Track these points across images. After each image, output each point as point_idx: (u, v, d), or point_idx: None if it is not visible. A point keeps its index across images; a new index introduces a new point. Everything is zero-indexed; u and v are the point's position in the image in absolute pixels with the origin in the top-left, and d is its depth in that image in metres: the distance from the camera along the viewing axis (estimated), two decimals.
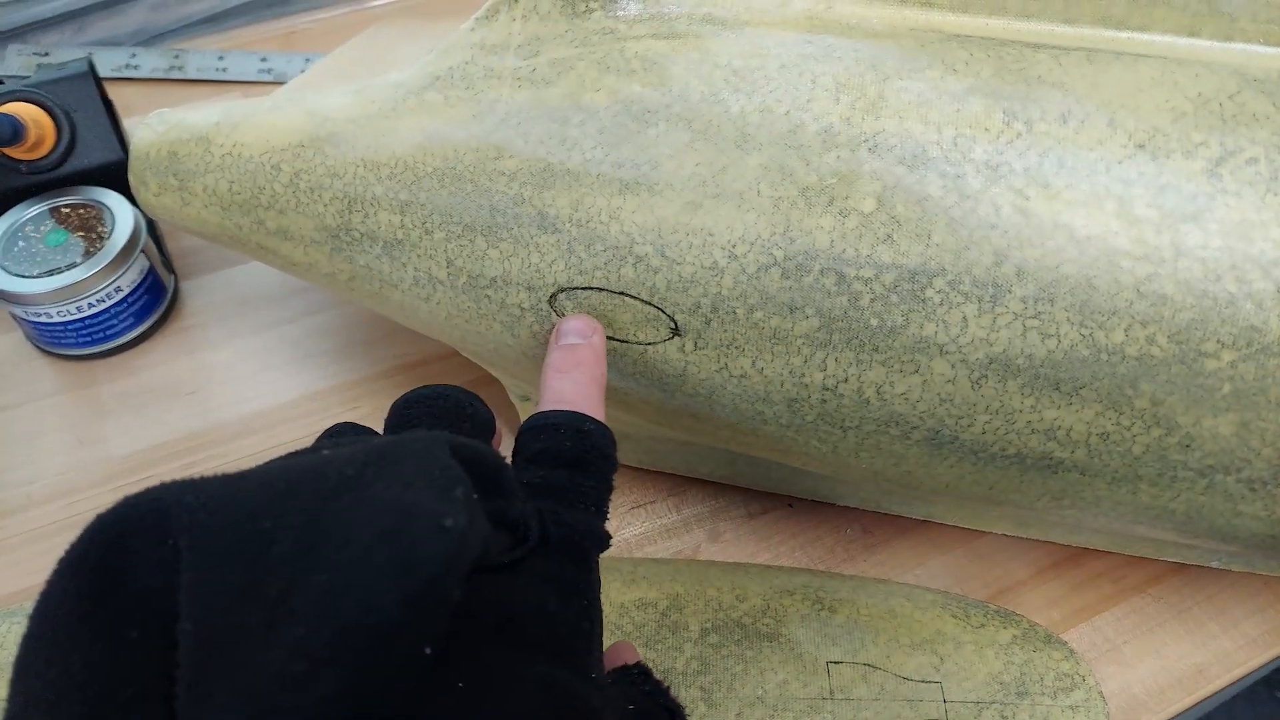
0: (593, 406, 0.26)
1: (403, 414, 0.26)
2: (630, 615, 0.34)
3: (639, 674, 0.24)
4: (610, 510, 0.40)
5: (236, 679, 0.15)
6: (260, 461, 0.42)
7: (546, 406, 0.27)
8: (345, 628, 0.15)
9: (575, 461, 0.24)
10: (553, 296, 0.30)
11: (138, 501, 0.17)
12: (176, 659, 0.15)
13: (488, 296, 0.31)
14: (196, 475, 0.18)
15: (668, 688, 0.24)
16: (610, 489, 0.25)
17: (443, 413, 0.25)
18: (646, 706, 0.23)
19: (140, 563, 0.16)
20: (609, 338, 0.31)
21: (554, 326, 0.30)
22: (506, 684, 0.18)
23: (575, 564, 0.22)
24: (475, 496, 0.18)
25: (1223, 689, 0.36)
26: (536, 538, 0.21)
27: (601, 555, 0.35)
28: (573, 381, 0.27)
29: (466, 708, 0.17)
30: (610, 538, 0.24)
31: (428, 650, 0.16)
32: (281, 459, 0.20)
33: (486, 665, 0.18)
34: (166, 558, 0.16)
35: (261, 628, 0.15)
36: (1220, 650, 0.37)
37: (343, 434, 0.25)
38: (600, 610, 0.22)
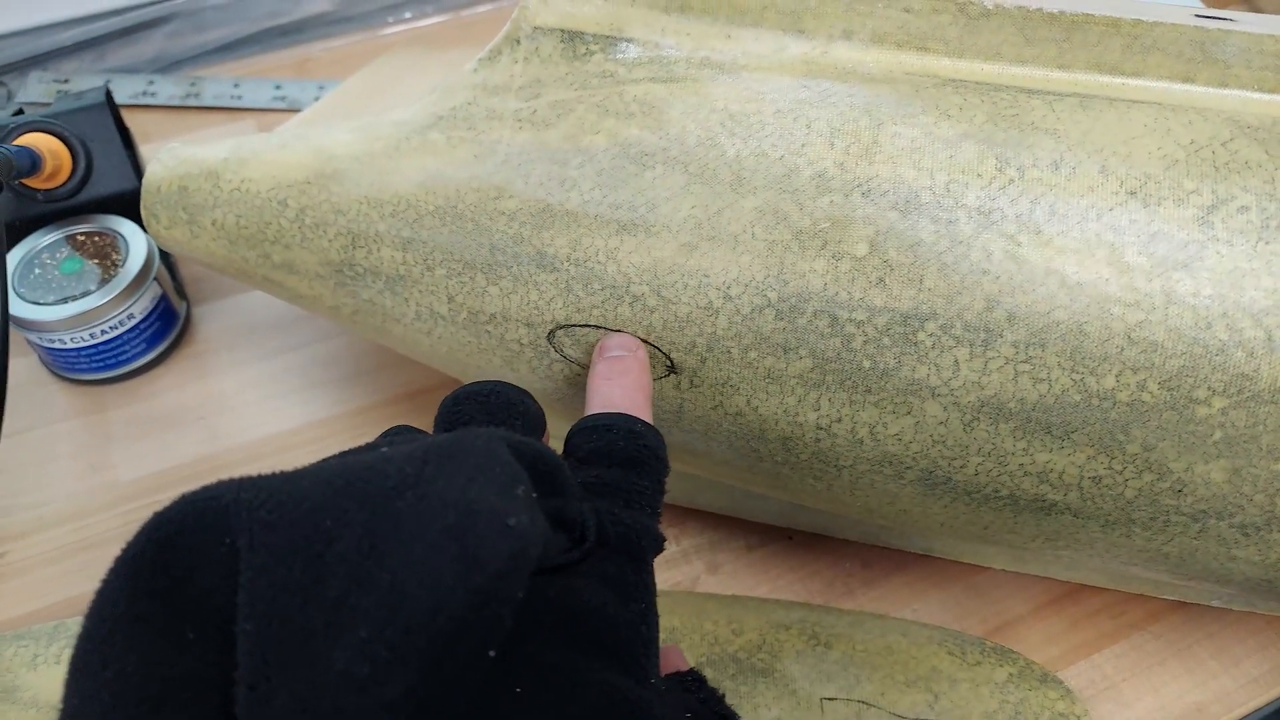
0: (641, 410, 0.26)
1: (453, 411, 0.25)
2: None
3: (693, 681, 0.23)
4: None
5: (298, 680, 0.15)
6: None
7: (595, 409, 0.26)
8: (411, 628, 0.15)
9: (629, 461, 0.24)
10: (551, 333, 0.31)
11: (195, 499, 0.17)
12: (235, 659, 0.15)
13: (487, 332, 0.32)
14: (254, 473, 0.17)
15: (722, 695, 0.23)
16: (663, 491, 0.24)
17: (495, 409, 0.25)
18: (703, 715, 0.22)
19: (198, 561, 0.16)
20: None
21: (596, 344, 0.30)
22: (567, 689, 0.17)
23: (633, 565, 0.21)
24: (534, 495, 0.18)
25: None
26: (594, 538, 0.21)
27: None
28: (621, 387, 0.27)
29: (527, 713, 0.16)
30: (665, 540, 0.23)
31: (492, 653, 0.16)
32: (337, 457, 0.20)
33: (547, 670, 0.17)
34: (224, 556, 0.16)
35: (324, 628, 0.15)
36: (1221, 689, 0.36)
37: (399, 434, 0.24)
38: (657, 615, 0.22)
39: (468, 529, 0.16)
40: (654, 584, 0.22)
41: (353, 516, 0.16)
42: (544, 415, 0.26)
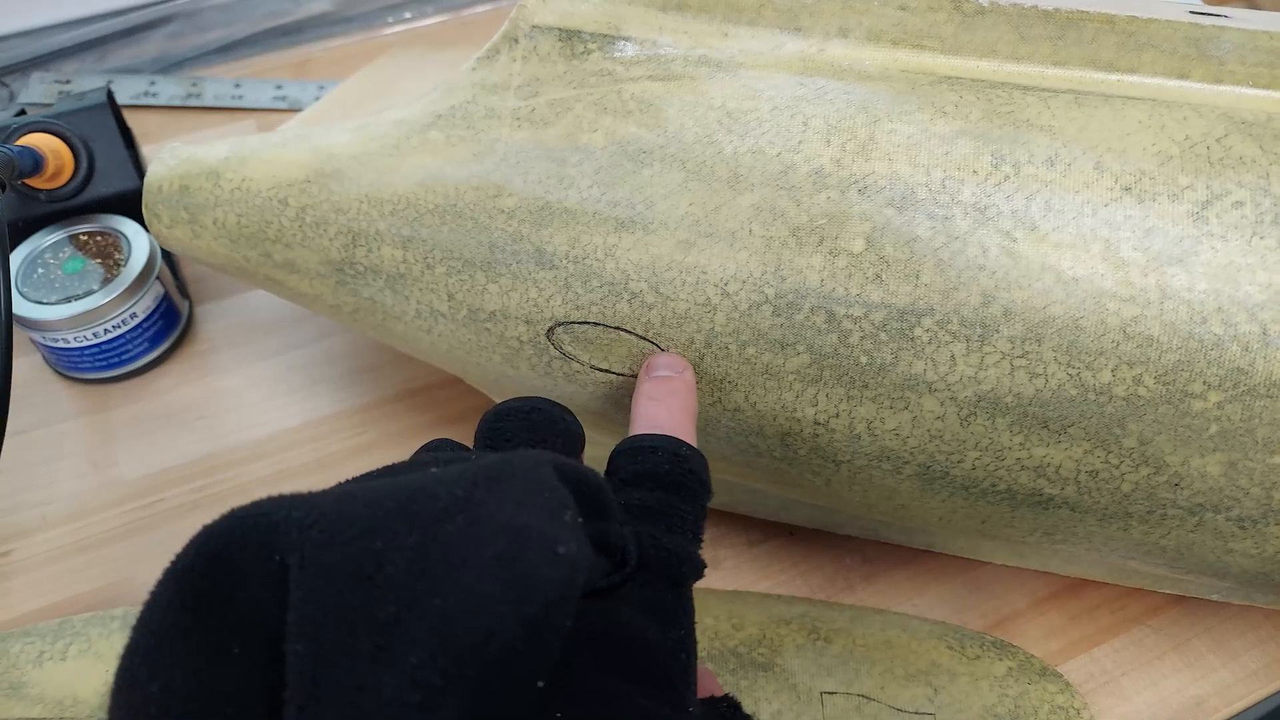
0: (687, 433, 0.26)
1: (494, 427, 0.25)
2: None
3: (728, 707, 0.23)
4: None
5: (347, 704, 0.14)
6: (267, 485, 0.42)
7: (640, 430, 0.26)
8: (462, 655, 0.15)
9: (673, 485, 0.24)
10: (550, 330, 0.31)
11: (245, 515, 0.17)
12: (284, 678, 0.15)
13: (487, 329, 0.32)
14: (305, 490, 0.17)
15: None
16: (705, 515, 0.24)
17: (537, 426, 0.25)
18: None
19: (246, 577, 0.16)
20: (605, 370, 0.31)
21: (645, 361, 0.30)
22: (606, 716, 0.17)
23: (673, 591, 0.21)
24: (580, 519, 0.18)
25: None
26: (635, 562, 0.21)
27: None
28: (667, 409, 0.27)
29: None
30: (705, 565, 0.23)
31: (540, 684, 0.15)
32: (384, 474, 0.20)
33: (588, 696, 0.17)
34: (273, 573, 0.16)
35: (373, 651, 0.15)
36: (1220, 683, 0.36)
37: (440, 449, 0.24)
38: (695, 640, 0.22)
39: (518, 555, 0.16)
40: (693, 610, 0.22)
41: (403, 539, 0.16)
42: (583, 432, 0.26)
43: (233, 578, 0.16)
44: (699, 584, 0.39)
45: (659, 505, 0.23)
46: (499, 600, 0.15)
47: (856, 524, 0.40)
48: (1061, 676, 0.35)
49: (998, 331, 0.26)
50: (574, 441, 0.25)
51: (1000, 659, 0.35)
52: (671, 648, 0.20)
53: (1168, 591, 0.38)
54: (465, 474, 0.17)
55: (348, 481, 0.19)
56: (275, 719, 0.15)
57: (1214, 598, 0.38)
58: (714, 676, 0.26)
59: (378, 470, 0.20)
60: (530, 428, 0.24)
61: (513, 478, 0.18)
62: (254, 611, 0.16)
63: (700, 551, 0.23)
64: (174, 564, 0.17)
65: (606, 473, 0.25)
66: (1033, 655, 0.36)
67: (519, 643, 0.15)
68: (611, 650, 0.19)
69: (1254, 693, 0.36)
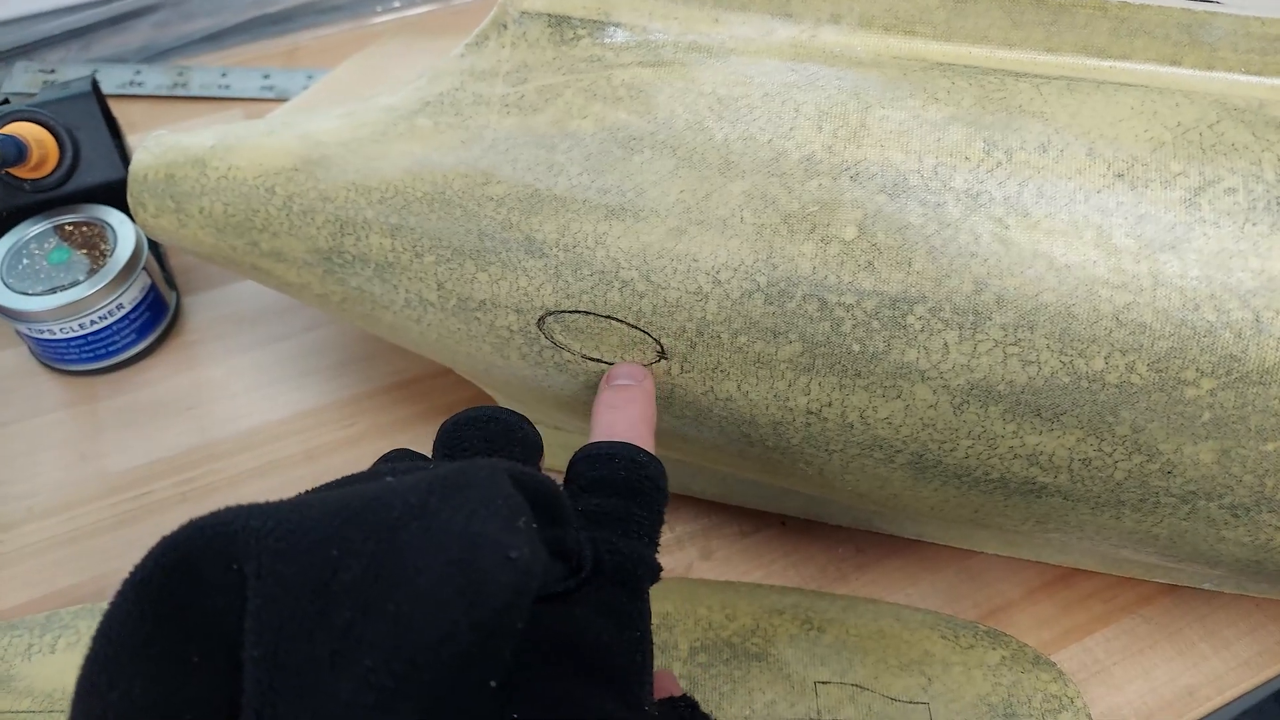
0: (644, 441, 0.26)
1: (452, 437, 0.25)
2: None
3: (686, 706, 0.24)
4: None
5: (305, 709, 0.15)
6: (255, 477, 0.42)
7: (599, 438, 0.26)
8: (415, 660, 0.15)
9: (630, 491, 0.24)
10: (541, 319, 0.31)
11: (203, 525, 0.17)
12: (240, 684, 0.15)
13: (477, 319, 0.32)
14: (264, 500, 0.18)
15: None
16: (662, 521, 0.25)
17: (494, 435, 0.25)
18: None
19: (205, 587, 0.16)
20: (597, 360, 0.31)
21: (604, 372, 0.30)
22: (562, 718, 0.18)
23: (629, 594, 0.22)
24: (535, 525, 0.18)
25: (1214, 711, 0.36)
26: (591, 567, 0.21)
27: None
28: (625, 416, 0.27)
29: None
30: (661, 569, 0.24)
31: (493, 683, 0.16)
32: (342, 484, 0.20)
33: (544, 698, 0.18)
34: (232, 582, 0.16)
35: (330, 657, 0.15)
36: (1211, 672, 0.37)
37: (399, 460, 0.24)
38: (651, 641, 0.22)
39: (472, 561, 0.16)
40: (649, 612, 0.23)
41: (359, 546, 0.16)
42: (541, 441, 0.26)
43: (192, 588, 0.16)
44: (692, 574, 0.39)
45: (616, 511, 0.24)
46: (452, 604, 0.16)
47: (849, 514, 0.39)
48: (1054, 665, 0.35)
49: (990, 319, 0.26)
50: (532, 450, 0.26)
51: (993, 648, 0.35)
52: (627, 649, 0.21)
53: (1159, 580, 0.38)
54: (420, 483, 0.18)
55: (306, 492, 0.20)
56: None
57: (1206, 586, 0.38)
58: (674, 678, 0.27)
59: (335, 481, 0.21)
60: (487, 437, 0.25)
61: (467, 486, 0.18)
62: (213, 621, 0.16)
63: (657, 556, 0.24)
64: (133, 574, 0.17)
65: (565, 479, 0.25)
66: (1025, 644, 0.36)
67: (472, 646, 0.15)
68: (567, 652, 0.19)
69: (1245, 681, 0.36)
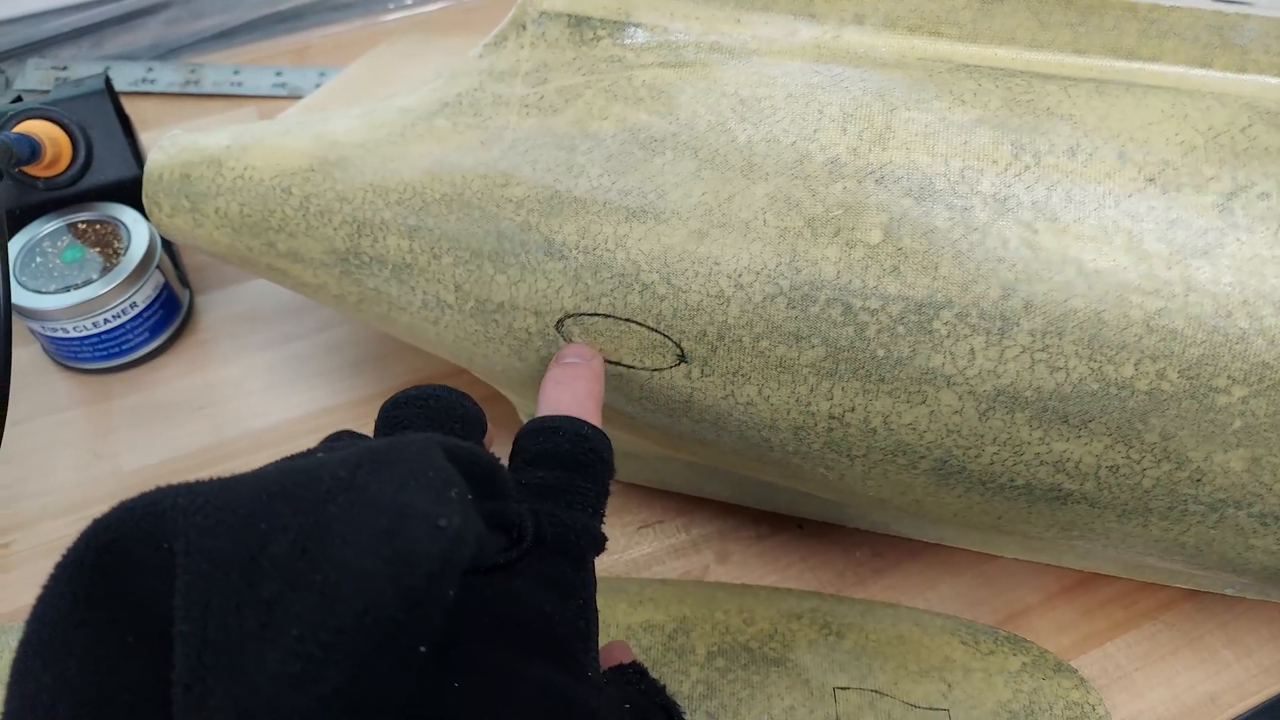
0: (590, 415, 0.27)
1: (391, 415, 0.25)
2: (637, 637, 0.34)
3: (634, 673, 0.24)
4: (619, 530, 0.40)
5: (233, 680, 0.15)
6: None
7: (544, 413, 0.27)
8: (342, 627, 0.15)
9: (574, 463, 0.25)
10: (560, 322, 0.30)
11: (133, 506, 0.17)
12: (173, 662, 0.16)
13: (495, 321, 0.31)
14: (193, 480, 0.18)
15: (663, 686, 0.24)
16: (607, 492, 0.25)
17: (434, 413, 0.25)
18: (643, 705, 0.23)
19: (136, 567, 0.16)
20: (616, 363, 0.31)
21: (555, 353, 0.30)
22: (504, 685, 0.18)
23: (571, 564, 0.22)
24: (470, 497, 0.18)
25: (1235, 718, 0.36)
26: (532, 538, 0.21)
27: (609, 576, 0.35)
28: (571, 392, 0.27)
29: (464, 708, 0.17)
30: (606, 539, 0.24)
31: (423, 649, 0.16)
32: (276, 463, 0.20)
33: (484, 667, 0.18)
34: (162, 561, 0.16)
35: (258, 629, 0.15)
36: (1233, 679, 0.36)
37: (340, 439, 0.25)
38: (596, 610, 0.23)
39: (399, 531, 0.16)
40: (593, 581, 0.23)
41: (287, 521, 0.16)
42: (484, 417, 0.26)
43: (123, 568, 0.16)
44: (708, 578, 0.38)
45: (559, 483, 0.24)
46: (379, 574, 0.16)
47: (867, 518, 0.39)
48: (1076, 672, 0.34)
49: (1018, 325, 0.26)
50: (473, 426, 0.26)
51: (1014, 654, 0.35)
52: (570, 618, 0.21)
53: (1182, 586, 0.38)
54: (350, 457, 0.18)
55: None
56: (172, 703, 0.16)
57: (1228, 592, 0.37)
58: (627, 647, 0.27)
59: (275, 461, 0.21)
60: (427, 414, 0.25)
61: (397, 459, 0.18)
62: (146, 601, 0.16)
63: (602, 527, 0.24)
64: (65, 558, 0.17)
65: (510, 454, 0.26)
66: (1046, 651, 0.35)
67: (399, 613, 0.16)
68: (508, 623, 0.19)
69: (1267, 688, 0.36)
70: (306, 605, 0.15)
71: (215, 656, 0.15)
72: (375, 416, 0.44)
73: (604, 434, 0.26)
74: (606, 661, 0.25)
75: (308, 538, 0.16)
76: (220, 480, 0.18)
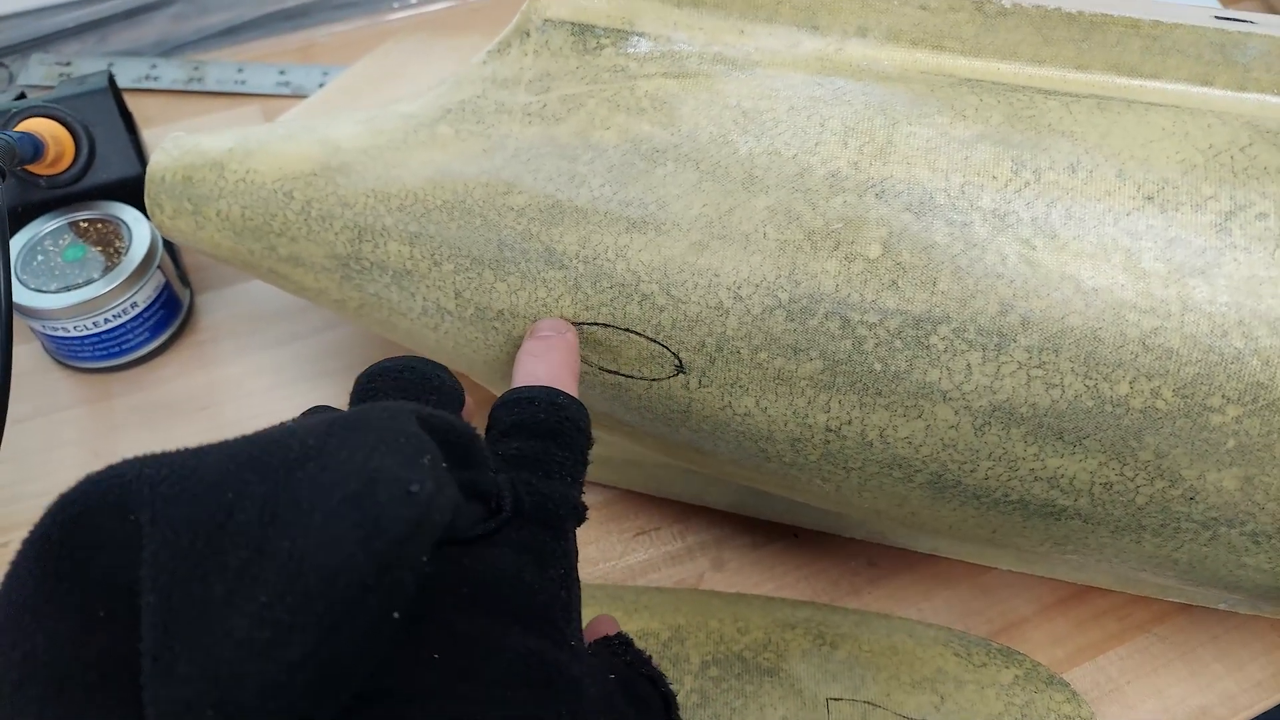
0: (566, 385, 0.26)
1: (366, 387, 0.25)
2: None
3: (620, 644, 0.24)
4: (615, 536, 0.40)
5: (200, 648, 0.15)
6: None
7: (519, 384, 0.26)
8: (309, 593, 0.15)
9: (550, 433, 0.24)
10: None
11: (99, 478, 0.17)
12: (140, 633, 0.15)
13: (495, 328, 0.31)
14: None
15: (649, 658, 0.24)
16: (585, 462, 0.25)
17: (409, 384, 0.25)
18: (628, 676, 0.23)
19: (104, 540, 0.16)
20: (614, 372, 0.31)
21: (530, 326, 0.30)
22: (482, 654, 0.18)
23: (551, 533, 0.22)
24: (445, 466, 0.18)
25: None
26: (510, 508, 0.21)
27: (605, 583, 0.35)
28: (546, 363, 0.27)
29: (442, 679, 0.17)
30: (586, 509, 0.24)
31: (395, 615, 0.16)
32: (247, 435, 0.20)
33: (462, 636, 0.18)
34: (129, 533, 0.16)
35: (225, 596, 0.15)
36: (1225, 692, 0.36)
37: (314, 411, 0.24)
38: (578, 580, 0.22)
39: (368, 496, 0.16)
40: (573, 550, 0.23)
41: (254, 489, 0.16)
42: (461, 390, 0.26)
43: (91, 541, 0.16)
44: (704, 585, 0.38)
45: (535, 453, 0.24)
46: (347, 538, 0.16)
47: (862, 528, 0.39)
48: (1068, 685, 0.34)
49: (1015, 341, 0.26)
50: (450, 398, 0.25)
51: (1006, 666, 0.35)
52: (549, 587, 0.21)
53: (1175, 600, 0.38)
54: (319, 425, 0.18)
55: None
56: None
57: (1221, 607, 0.38)
58: (613, 620, 0.27)
59: (242, 435, 0.21)
60: (402, 386, 0.25)
61: (368, 426, 0.18)
62: (114, 573, 0.16)
63: (581, 495, 0.24)
64: (32, 533, 0.17)
65: (487, 426, 0.25)
66: (1039, 663, 0.35)
67: (368, 578, 0.15)
68: (486, 593, 0.19)
69: (1259, 703, 0.36)
70: (274, 572, 0.15)
71: (182, 626, 0.15)
72: None
73: (580, 404, 0.26)
74: (592, 634, 0.25)
75: (275, 504, 0.16)
76: (188, 450, 0.17)
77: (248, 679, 0.15)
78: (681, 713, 0.33)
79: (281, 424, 0.21)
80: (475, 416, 0.27)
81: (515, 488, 0.22)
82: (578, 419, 0.25)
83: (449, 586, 0.18)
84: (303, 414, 0.25)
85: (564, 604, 0.21)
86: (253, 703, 0.15)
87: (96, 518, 0.16)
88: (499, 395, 0.38)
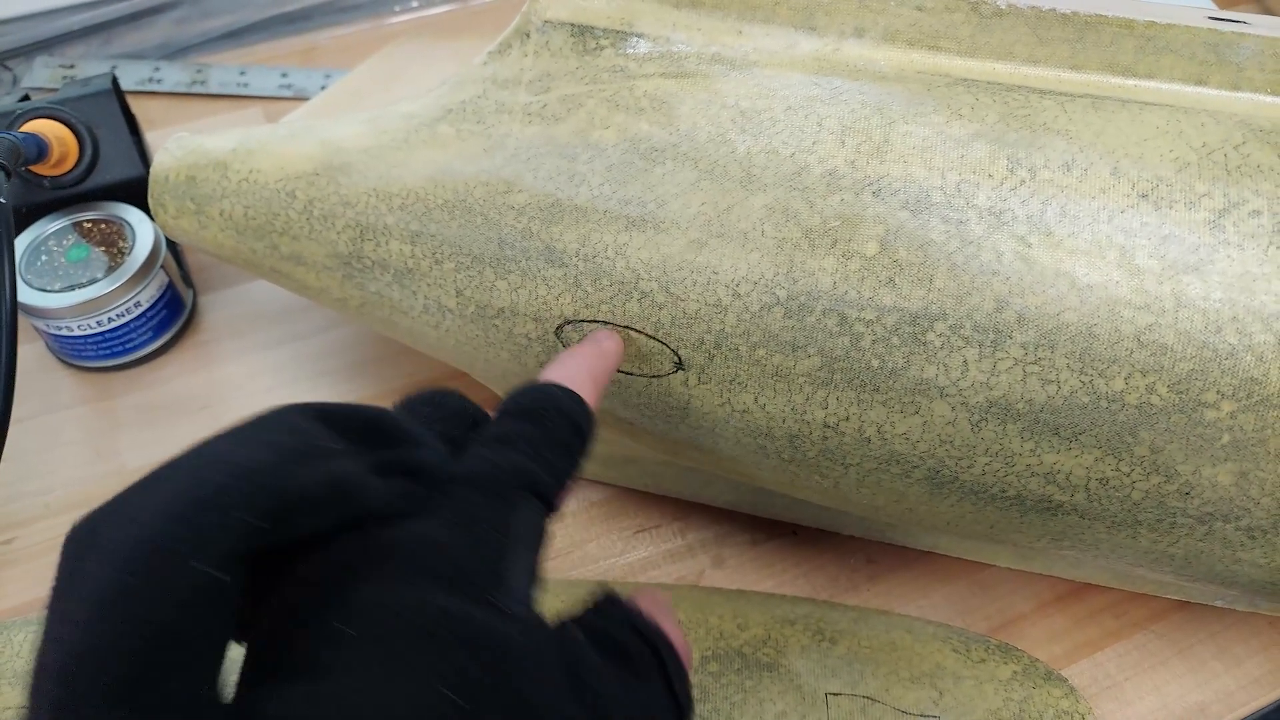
0: (577, 385, 0.27)
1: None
2: None
3: (606, 602, 0.24)
4: (615, 534, 0.40)
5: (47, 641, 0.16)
6: None
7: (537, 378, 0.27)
8: (110, 549, 0.16)
9: (522, 412, 0.25)
10: (559, 328, 0.31)
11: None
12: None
13: (495, 326, 0.32)
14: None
15: (639, 612, 0.23)
16: (560, 441, 0.25)
17: (409, 404, 0.26)
18: (612, 634, 0.23)
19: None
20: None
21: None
22: (403, 622, 0.18)
23: (488, 500, 0.22)
24: (339, 448, 0.19)
25: None
26: (444, 478, 0.22)
27: (607, 581, 0.35)
28: (562, 364, 0.28)
29: (360, 652, 0.17)
30: (541, 476, 0.23)
31: (195, 564, 0.17)
32: None
33: (378, 605, 0.18)
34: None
35: (64, 589, 0.17)
36: (1222, 689, 0.36)
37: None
38: (528, 551, 0.22)
39: (203, 473, 0.17)
40: (529, 519, 0.23)
41: (126, 494, 0.18)
42: (470, 407, 0.26)
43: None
44: (703, 582, 0.39)
45: (506, 432, 0.24)
46: (155, 501, 0.17)
47: (861, 525, 0.39)
48: (1066, 681, 0.35)
49: (1011, 337, 0.26)
50: (456, 415, 0.26)
51: (1005, 663, 0.35)
52: (477, 548, 0.21)
53: (1172, 597, 0.38)
54: (226, 429, 0.19)
55: None
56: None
57: (1218, 603, 0.38)
58: (660, 594, 0.27)
59: None
60: (406, 407, 0.26)
61: (252, 422, 0.19)
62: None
63: (539, 468, 0.24)
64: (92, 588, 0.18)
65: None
66: (1037, 659, 0.36)
67: (163, 529, 0.16)
68: (408, 562, 0.19)
69: (1256, 699, 0.36)
70: (101, 548, 0.17)
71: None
72: None
73: (575, 395, 0.26)
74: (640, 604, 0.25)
75: (125, 493, 0.17)
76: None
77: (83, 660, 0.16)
78: None
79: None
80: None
81: (447, 460, 0.22)
82: (559, 401, 0.25)
83: (369, 560, 0.19)
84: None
85: (491, 566, 0.21)
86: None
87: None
88: (500, 393, 0.38)
